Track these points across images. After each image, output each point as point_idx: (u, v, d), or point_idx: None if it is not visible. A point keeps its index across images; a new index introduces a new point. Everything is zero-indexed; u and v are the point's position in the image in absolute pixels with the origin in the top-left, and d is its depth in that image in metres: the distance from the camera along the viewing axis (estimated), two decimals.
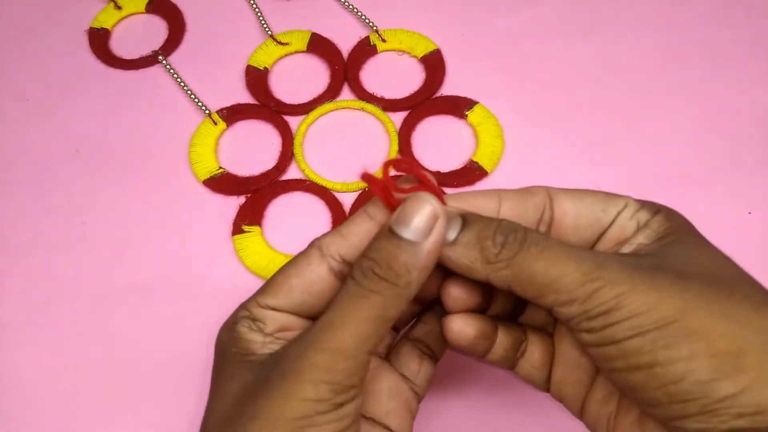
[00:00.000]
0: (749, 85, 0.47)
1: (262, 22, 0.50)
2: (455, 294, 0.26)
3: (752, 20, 0.50)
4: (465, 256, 0.23)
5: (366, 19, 0.50)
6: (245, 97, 0.47)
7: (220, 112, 0.46)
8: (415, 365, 0.28)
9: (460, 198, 0.26)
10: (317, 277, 0.24)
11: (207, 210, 0.43)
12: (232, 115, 0.46)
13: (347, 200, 0.43)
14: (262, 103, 0.47)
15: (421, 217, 0.22)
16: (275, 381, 0.21)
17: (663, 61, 0.48)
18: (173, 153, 0.45)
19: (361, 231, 0.24)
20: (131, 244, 0.42)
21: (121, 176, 0.45)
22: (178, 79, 0.48)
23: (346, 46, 0.49)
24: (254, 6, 0.51)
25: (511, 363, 0.29)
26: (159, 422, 0.37)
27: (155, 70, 0.49)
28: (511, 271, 0.23)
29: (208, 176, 0.44)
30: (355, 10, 0.50)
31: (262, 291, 0.26)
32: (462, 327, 0.27)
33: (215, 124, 0.46)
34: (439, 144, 0.45)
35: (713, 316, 0.21)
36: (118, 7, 0.51)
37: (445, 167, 0.44)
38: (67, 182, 0.44)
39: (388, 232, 0.22)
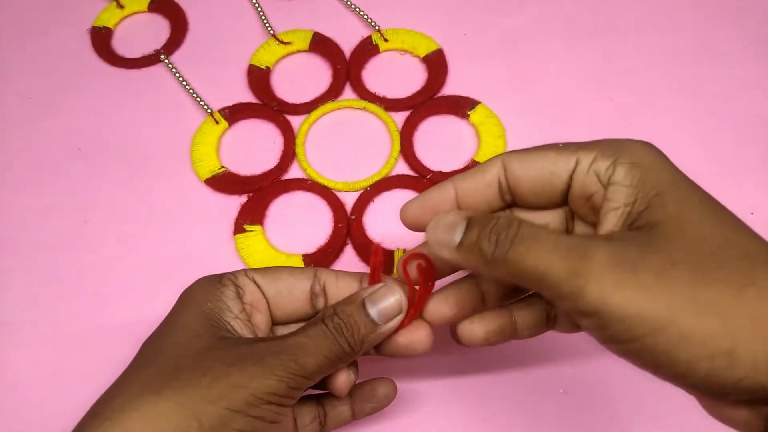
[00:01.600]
0: (751, 85, 0.47)
1: (265, 21, 0.50)
2: (437, 315, 0.29)
3: (754, 20, 0.50)
4: (467, 258, 0.25)
5: (368, 18, 0.50)
6: (247, 97, 0.47)
7: (222, 111, 0.47)
8: (307, 419, 0.31)
9: (420, 200, 0.29)
10: (302, 286, 0.29)
11: (208, 209, 0.43)
12: (234, 114, 0.46)
13: (349, 200, 0.43)
14: (264, 103, 0.47)
15: (388, 304, 0.28)
16: (250, 360, 0.25)
17: (665, 61, 0.48)
18: (175, 152, 0.45)
19: (349, 285, 0.30)
20: (133, 243, 0.42)
21: (123, 175, 0.45)
22: (180, 78, 0.48)
23: (348, 45, 0.49)
24: (256, 5, 0.51)
25: (544, 329, 0.30)
26: None
27: (157, 69, 0.49)
28: (506, 268, 0.24)
29: (210, 175, 0.44)
30: (357, 9, 0.50)
31: (251, 269, 0.30)
32: (470, 333, 0.29)
33: (217, 123, 0.46)
34: (441, 144, 0.45)
35: (702, 315, 0.21)
36: (121, 6, 0.51)
37: (447, 167, 0.44)
38: (68, 181, 0.44)
39: (360, 304, 0.28)
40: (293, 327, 0.29)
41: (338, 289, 0.30)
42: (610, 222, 0.24)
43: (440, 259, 0.27)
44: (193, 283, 0.29)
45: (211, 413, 0.24)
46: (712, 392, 0.22)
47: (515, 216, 0.26)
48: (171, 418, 0.23)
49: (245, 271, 0.29)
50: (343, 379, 0.28)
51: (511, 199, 0.28)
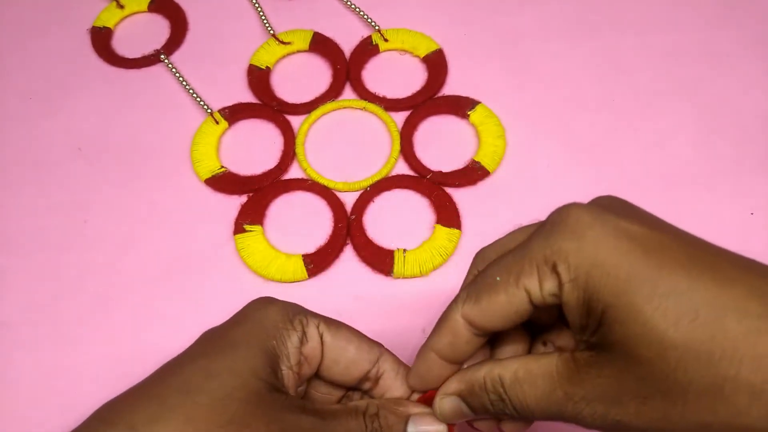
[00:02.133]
0: (752, 85, 0.47)
1: (265, 21, 0.50)
2: None
3: (755, 21, 0.50)
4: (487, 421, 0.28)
5: (368, 18, 0.50)
6: (247, 97, 0.47)
7: (222, 111, 0.46)
8: None
9: (416, 379, 0.28)
10: (362, 365, 0.28)
11: (208, 209, 0.43)
12: (234, 114, 0.46)
13: (349, 200, 0.43)
14: (264, 103, 0.47)
15: (430, 430, 0.27)
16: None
17: (665, 61, 0.48)
18: (175, 152, 0.45)
19: (403, 385, 0.29)
20: (133, 243, 0.42)
21: (123, 175, 0.45)
22: (180, 78, 0.48)
23: (348, 45, 0.49)
24: (256, 5, 0.51)
25: None
26: None
27: (157, 69, 0.49)
28: (518, 414, 0.26)
29: (210, 175, 0.44)
30: (357, 9, 0.50)
31: (324, 320, 0.28)
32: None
33: (217, 123, 0.46)
34: (441, 144, 0.45)
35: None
36: (121, 6, 0.51)
37: (447, 167, 0.44)
38: (69, 181, 0.44)
39: (405, 420, 0.27)
40: (326, 386, 0.29)
41: (392, 386, 0.29)
42: (575, 337, 0.24)
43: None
44: (264, 305, 0.27)
45: None
46: None
47: (495, 381, 0.26)
48: None
49: (318, 322, 0.28)
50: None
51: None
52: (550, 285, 0.23)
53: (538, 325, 0.28)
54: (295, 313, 0.27)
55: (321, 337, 0.27)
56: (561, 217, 0.24)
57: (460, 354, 0.27)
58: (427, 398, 0.28)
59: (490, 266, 0.26)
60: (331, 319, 0.28)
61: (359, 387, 0.29)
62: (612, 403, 0.23)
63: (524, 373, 0.25)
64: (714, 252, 0.23)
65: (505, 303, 0.24)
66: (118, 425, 0.23)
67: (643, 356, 0.21)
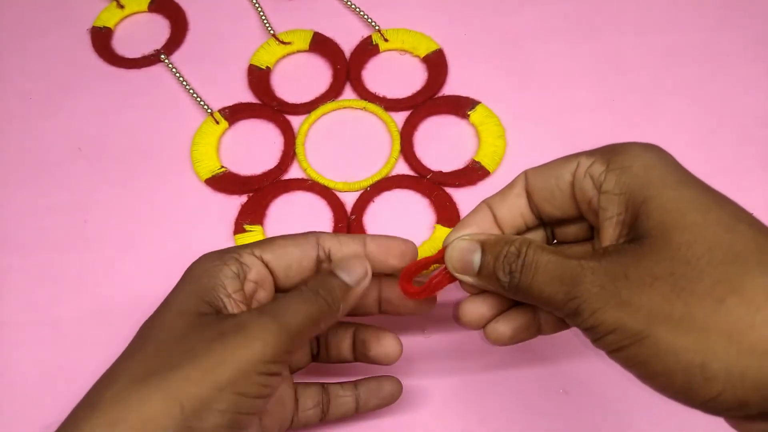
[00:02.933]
0: (751, 86, 0.47)
1: (265, 21, 0.50)
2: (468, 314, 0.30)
3: (755, 21, 0.50)
4: (488, 285, 0.28)
5: (368, 18, 0.50)
6: (247, 97, 0.47)
7: (222, 111, 0.47)
8: (310, 403, 0.32)
9: (464, 227, 0.29)
10: (309, 256, 0.30)
11: (209, 209, 0.43)
12: (234, 114, 0.46)
13: (349, 200, 0.43)
14: (264, 103, 0.47)
15: (355, 268, 0.29)
16: (231, 332, 0.25)
17: (665, 61, 0.48)
18: (175, 152, 0.45)
19: (352, 249, 0.30)
20: (133, 243, 0.42)
21: (123, 175, 0.45)
22: (181, 78, 0.48)
23: (348, 45, 0.49)
24: (256, 5, 0.51)
25: (567, 326, 0.30)
26: None
27: (157, 69, 0.49)
28: (521, 295, 0.27)
29: (210, 175, 0.44)
30: (357, 9, 0.50)
31: (258, 245, 0.29)
32: (497, 333, 0.30)
33: (217, 123, 0.46)
34: (441, 144, 0.45)
35: (677, 329, 0.22)
36: (121, 6, 0.51)
37: (447, 167, 0.44)
38: (69, 181, 0.44)
39: (330, 272, 0.29)
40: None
41: (343, 254, 0.30)
42: (607, 233, 0.26)
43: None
44: (197, 259, 0.29)
45: (192, 395, 0.23)
46: (698, 405, 0.22)
47: (524, 240, 0.27)
48: (154, 405, 0.23)
49: (252, 249, 0.29)
50: (392, 344, 0.31)
51: (539, 214, 0.29)
52: (597, 168, 0.26)
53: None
54: (225, 252, 0.29)
55: (261, 259, 0.29)
56: (622, 144, 0.27)
57: (510, 219, 0.29)
58: (408, 270, 0.30)
59: None
60: (262, 240, 0.30)
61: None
62: (618, 278, 0.23)
63: (552, 248, 0.26)
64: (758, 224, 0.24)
65: (557, 166, 0.28)
66: (79, 408, 0.25)
67: (674, 241, 0.23)
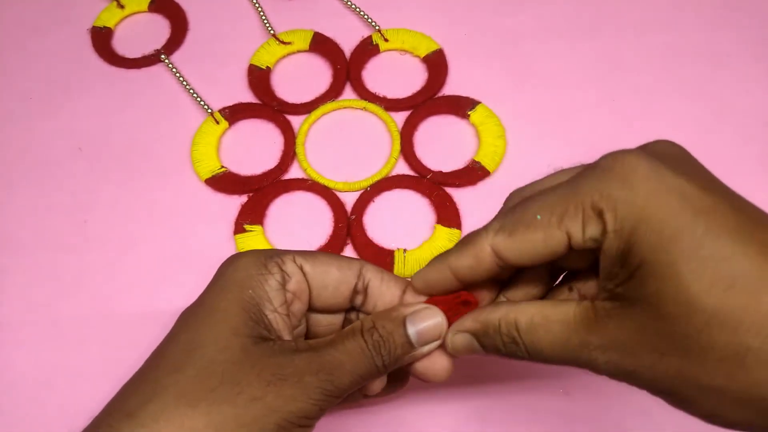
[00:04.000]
0: (752, 85, 0.47)
1: (265, 21, 0.50)
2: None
3: (755, 21, 0.50)
4: (493, 353, 0.27)
5: (368, 18, 0.50)
6: (247, 97, 0.47)
7: (222, 111, 0.47)
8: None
9: (422, 282, 0.28)
10: (347, 283, 0.28)
11: (209, 209, 0.43)
12: (234, 114, 0.46)
13: (349, 200, 0.43)
14: (265, 103, 0.47)
15: (428, 327, 0.27)
16: (289, 381, 0.24)
17: (665, 61, 0.48)
18: (175, 152, 0.45)
19: (392, 291, 0.29)
20: (133, 243, 0.42)
21: (124, 175, 0.45)
22: (181, 78, 0.48)
23: (348, 45, 0.49)
24: (257, 5, 0.51)
25: None
26: None
27: (157, 69, 0.49)
28: (530, 355, 0.26)
29: (210, 175, 0.44)
30: (357, 9, 0.50)
31: (300, 254, 0.28)
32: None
33: (217, 123, 0.46)
34: (441, 144, 0.45)
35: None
36: (121, 6, 0.51)
37: (447, 167, 0.44)
38: (69, 181, 0.44)
39: (401, 322, 0.27)
40: (328, 317, 0.29)
41: (381, 292, 0.29)
42: (604, 288, 0.24)
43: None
44: (236, 259, 0.27)
45: None
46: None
47: (509, 323, 0.25)
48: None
49: (294, 257, 0.27)
50: (439, 367, 0.28)
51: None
52: (593, 230, 0.23)
53: (556, 267, 0.28)
54: (268, 257, 0.27)
55: (302, 269, 0.27)
56: (615, 163, 0.23)
57: (475, 278, 0.26)
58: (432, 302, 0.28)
59: (528, 202, 0.25)
60: (306, 251, 0.28)
61: (354, 306, 0.29)
62: (628, 354, 0.23)
63: (541, 318, 0.25)
64: (765, 221, 0.23)
65: (541, 242, 0.24)
66: (115, 414, 0.24)
67: (671, 313, 0.22)
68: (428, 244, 0.41)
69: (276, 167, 0.44)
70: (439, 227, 0.42)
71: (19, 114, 0.47)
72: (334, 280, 0.28)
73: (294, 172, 0.45)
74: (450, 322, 0.27)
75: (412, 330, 0.27)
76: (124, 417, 0.23)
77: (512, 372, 0.38)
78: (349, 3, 0.50)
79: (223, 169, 0.44)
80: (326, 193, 0.43)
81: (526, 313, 0.25)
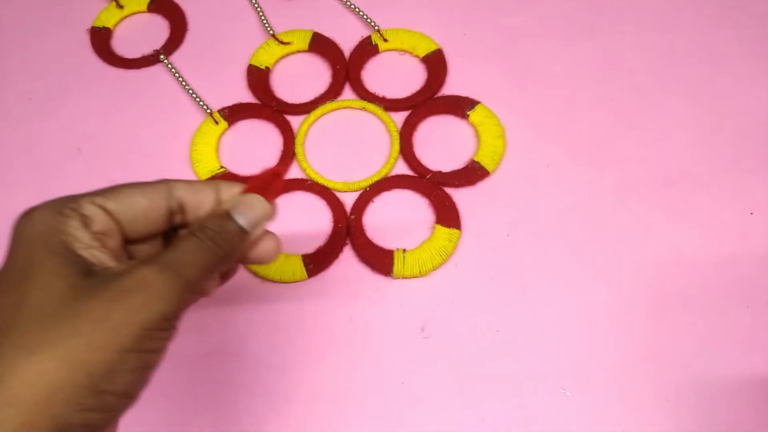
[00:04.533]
0: (751, 85, 0.47)
1: (264, 21, 0.50)
2: None
3: (755, 21, 0.50)
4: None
5: (368, 18, 0.50)
6: (247, 97, 0.47)
7: (221, 111, 0.46)
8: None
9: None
10: (158, 207, 0.27)
11: None
12: (234, 114, 0.46)
13: (348, 200, 0.43)
14: (264, 103, 0.47)
15: (255, 213, 0.27)
16: (134, 291, 0.23)
17: (665, 61, 0.48)
18: (175, 152, 0.45)
19: (208, 197, 0.28)
20: None
21: (123, 175, 0.45)
22: (180, 79, 0.48)
23: (347, 45, 0.49)
24: (256, 5, 0.51)
25: None
26: (159, 422, 0.37)
27: (157, 69, 0.49)
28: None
29: (210, 175, 0.44)
30: (356, 9, 0.50)
31: (99, 193, 0.26)
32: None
33: (216, 123, 0.46)
34: (441, 144, 0.45)
35: None
36: (120, 6, 0.51)
37: (447, 167, 0.44)
38: (68, 181, 0.44)
39: (227, 215, 0.27)
40: (147, 244, 0.28)
41: (198, 202, 0.28)
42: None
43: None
44: (30, 214, 0.25)
45: (99, 361, 0.22)
46: None
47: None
48: (57, 375, 0.21)
49: (92, 198, 0.26)
50: (270, 246, 0.28)
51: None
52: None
53: None
54: (63, 204, 0.25)
55: (104, 209, 0.26)
56: None
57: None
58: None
59: None
60: (104, 189, 0.27)
61: (175, 225, 0.28)
62: None
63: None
64: None
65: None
66: None
67: None
68: (428, 244, 0.41)
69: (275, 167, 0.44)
70: (439, 227, 0.42)
71: (18, 114, 0.47)
72: (142, 209, 0.27)
73: (293, 172, 0.45)
74: (269, 199, 0.28)
75: (241, 219, 0.27)
76: None
77: (512, 371, 0.38)
78: (348, 3, 0.50)
79: (222, 169, 0.44)
80: (326, 193, 0.43)
81: None
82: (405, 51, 0.49)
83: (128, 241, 0.27)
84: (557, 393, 0.37)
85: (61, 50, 0.50)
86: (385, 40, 0.49)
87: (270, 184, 0.29)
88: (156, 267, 0.24)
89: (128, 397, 0.23)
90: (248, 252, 0.28)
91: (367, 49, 0.49)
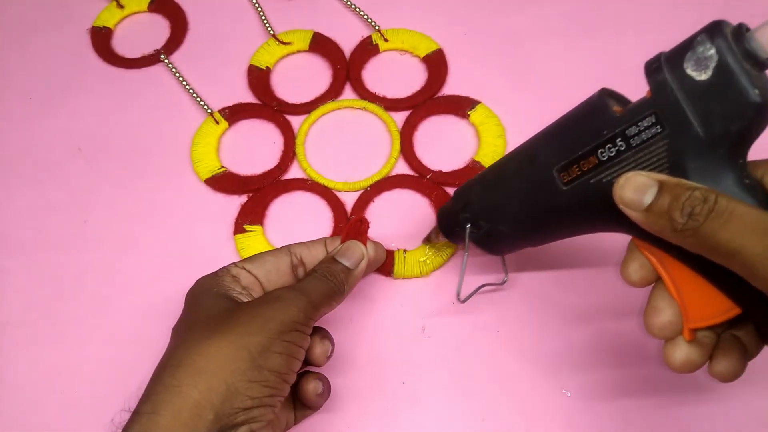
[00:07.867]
0: None
1: (265, 21, 0.50)
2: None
3: (755, 21, 0.49)
4: (656, 223, 0.26)
5: (368, 18, 0.50)
6: (247, 97, 0.47)
7: (222, 111, 0.47)
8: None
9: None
10: (284, 263, 0.36)
11: (209, 209, 0.43)
12: (234, 114, 0.46)
13: (349, 199, 0.43)
14: (264, 103, 0.47)
15: (353, 254, 0.36)
16: (273, 302, 0.31)
17: None
18: (175, 152, 0.45)
19: (319, 251, 0.37)
20: (133, 243, 0.42)
21: (123, 175, 0.45)
22: (180, 78, 0.48)
23: (348, 45, 0.49)
24: (256, 5, 0.51)
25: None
26: None
27: (157, 69, 0.49)
28: (696, 239, 0.24)
29: (210, 175, 0.44)
30: (357, 9, 0.50)
31: (241, 261, 0.35)
32: (726, 374, 0.28)
33: (217, 123, 0.46)
34: (441, 143, 0.45)
35: None
36: (121, 6, 0.51)
37: (447, 167, 0.44)
38: (69, 181, 0.44)
39: (333, 259, 0.35)
40: None
41: (312, 257, 0.36)
42: None
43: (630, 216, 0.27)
44: (193, 285, 0.34)
45: (255, 342, 0.29)
46: None
47: (710, 189, 0.25)
48: (227, 351, 0.29)
49: (235, 264, 0.35)
50: (319, 351, 0.34)
51: None
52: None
53: None
54: (217, 271, 0.35)
55: (245, 269, 0.35)
56: None
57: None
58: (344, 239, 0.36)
59: None
60: (246, 258, 0.36)
61: (298, 277, 0.36)
62: None
63: (743, 209, 0.24)
64: None
65: None
66: (169, 365, 0.29)
67: None
68: (428, 244, 0.41)
69: (276, 167, 0.44)
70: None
71: (19, 114, 0.47)
72: (272, 266, 0.35)
73: (294, 172, 0.45)
74: (362, 242, 0.36)
75: (344, 261, 0.35)
76: (170, 368, 0.29)
77: (512, 371, 0.38)
78: (348, 3, 0.50)
79: (222, 169, 0.44)
80: (326, 193, 0.43)
81: (725, 197, 0.24)
82: (405, 51, 0.49)
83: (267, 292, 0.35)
84: (557, 393, 0.37)
85: (61, 50, 0.50)
86: (386, 40, 0.49)
87: (359, 230, 0.37)
88: (288, 288, 0.33)
89: (281, 377, 0.30)
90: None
91: (367, 49, 0.49)
